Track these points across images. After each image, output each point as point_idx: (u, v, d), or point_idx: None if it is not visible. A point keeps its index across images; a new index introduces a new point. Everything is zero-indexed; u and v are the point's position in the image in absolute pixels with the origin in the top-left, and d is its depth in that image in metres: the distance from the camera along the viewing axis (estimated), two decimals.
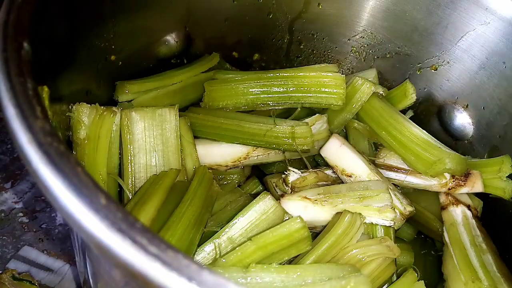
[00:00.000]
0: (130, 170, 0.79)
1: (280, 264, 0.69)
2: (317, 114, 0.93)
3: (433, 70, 0.98)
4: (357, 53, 1.06)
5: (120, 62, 0.87)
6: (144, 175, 0.79)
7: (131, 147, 0.79)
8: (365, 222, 0.77)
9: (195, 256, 0.70)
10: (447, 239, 0.83)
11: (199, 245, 0.71)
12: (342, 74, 0.93)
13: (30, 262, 0.94)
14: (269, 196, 0.74)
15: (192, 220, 0.71)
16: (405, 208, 0.81)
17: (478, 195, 0.90)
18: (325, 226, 0.78)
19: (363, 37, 1.03)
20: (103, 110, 0.76)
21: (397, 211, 0.80)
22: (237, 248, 0.67)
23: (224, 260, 0.66)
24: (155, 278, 0.37)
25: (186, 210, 0.71)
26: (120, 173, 0.80)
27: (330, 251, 0.72)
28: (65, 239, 0.98)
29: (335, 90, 0.92)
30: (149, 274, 0.38)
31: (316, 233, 0.79)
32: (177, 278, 0.37)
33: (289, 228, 0.69)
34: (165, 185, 0.74)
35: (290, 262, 0.73)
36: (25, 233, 0.98)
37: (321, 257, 0.71)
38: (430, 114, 1.02)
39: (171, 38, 0.95)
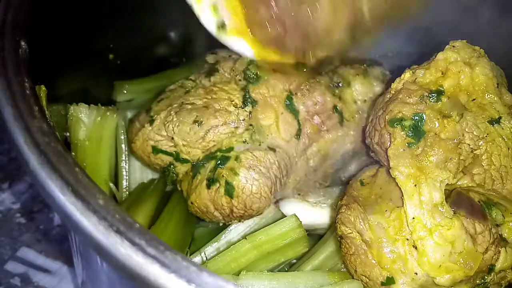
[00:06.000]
0: (125, 171, 0.78)
1: (278, 268, 0.69)
2: None
3: None
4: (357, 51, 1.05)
5: (119, 61, 0.86)
6: (140, 176, 0.79)
7: (127, 147, 0.79)
8: None
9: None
10: None
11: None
12: None
13: (28, 263, 0.93)
14: None
15: (183, 216, 0.71)
16: None
17: None
18: (326, 229, 0.77)
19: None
20: (105, 111, 0.76)
21: None
22: (231, 246, 0.66)
23: (219, 258, 0.65)
24: (154, 280, 0.37)
25: (176, 206, 0.71)
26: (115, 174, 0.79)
27: (332, 258, 0.70)
28: (63, 240, 0.97)
29: None
30: (148, 276, 0.37)
31: (317, 235, 0.78)
32: (176, 280, 0.37)
33: (284, 227, 0.68)
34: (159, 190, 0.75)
35: (291, 267, 0.72)
36: (23, 234, 0.97)
37: (322, 263, 0.69)
38: None
39: (171, 37, 0.95)
